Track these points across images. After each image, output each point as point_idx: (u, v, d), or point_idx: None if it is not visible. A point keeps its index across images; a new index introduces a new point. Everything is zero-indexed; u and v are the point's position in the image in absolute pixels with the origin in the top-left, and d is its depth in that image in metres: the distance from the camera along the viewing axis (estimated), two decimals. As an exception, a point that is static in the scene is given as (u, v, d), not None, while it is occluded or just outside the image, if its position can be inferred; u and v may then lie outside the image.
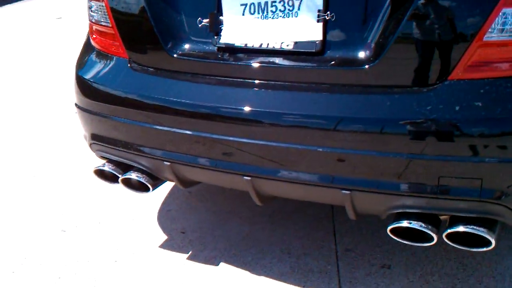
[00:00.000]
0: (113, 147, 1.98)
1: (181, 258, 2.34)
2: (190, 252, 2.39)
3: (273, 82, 1.75)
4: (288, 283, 2.15)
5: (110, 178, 2.10)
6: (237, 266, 2.27)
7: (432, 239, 1.63)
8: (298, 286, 2.13)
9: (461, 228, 1.57)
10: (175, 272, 2.22)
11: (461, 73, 1.52)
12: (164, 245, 2.45)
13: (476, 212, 1.56)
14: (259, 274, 2.21)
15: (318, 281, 2.17)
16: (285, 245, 2.42)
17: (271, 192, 1.86)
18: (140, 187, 2.07)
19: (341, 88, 1.66)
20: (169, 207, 2.77)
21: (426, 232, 1.61)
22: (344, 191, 1.65)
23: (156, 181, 2.05)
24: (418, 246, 1.71)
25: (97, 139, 2.05)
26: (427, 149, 1.52)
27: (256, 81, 1.76)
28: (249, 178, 1.76)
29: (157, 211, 2.75)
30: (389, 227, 1.67)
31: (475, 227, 1.55)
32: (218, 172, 1.83)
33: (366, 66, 1.62)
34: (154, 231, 2.58)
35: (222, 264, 2.29)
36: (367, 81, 1.63)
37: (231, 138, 1.74)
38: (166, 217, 2.70)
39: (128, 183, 2.07)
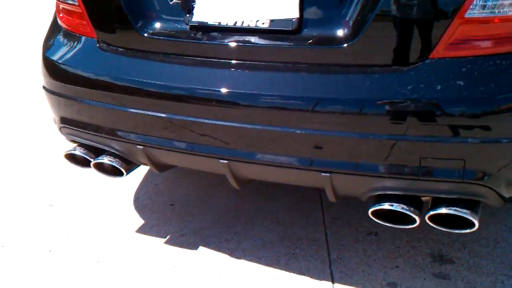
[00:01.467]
0: (83, 130, 1.92)
1: (171, 229, 2.34)
2: (180, 223, 2.39)
3: (248, 62, 1.68)
4: (277, 251, 2.16)
5: (81, 162, 2.04)
6: (226, 237, 2.28)
7: (414, 221, 1.61)
8: (287, 254, 2.15)
9: (443, 210, 1.55)
10: (165, 243, 2.23)
11: (443, 51, 1.45)
12: (154, 218, 2.45)
13: (459, 194, 1.54)
14: (248, 244, 2.22)
15: (307, 248, 2.19)
16: (273, 216, 2.42)
17: (249, 175, 1.82)
18: (113, 172, 2.01)
19: (319, 68, 1.60)
20: (156, 181, 2.76)
21: (408, 215, 1.59)
22: (323, 174, 1.61)
23: (130, 165, 1.99)
24: (400, 228, 1.69)
25: (66, 123, 1.98)
26: (408, 130, 1.48)
27: (231, 61, 1.69)
28: (225, 161, 1.72)
29: (145, 185, 2.74)
30: (370, 210, 1.64)
31: (458, 209, 1.53)
32: (193, 156, 1.77)
33: (345, 45, 1.55)
34: (143, 205, 2.58)
35: (211, 235, 2.30)
36: (345, 60, 1.56)
37: (205, 121, 1.68)
38: (153, 191, 2.69)
39: (101, 168, 2.01)
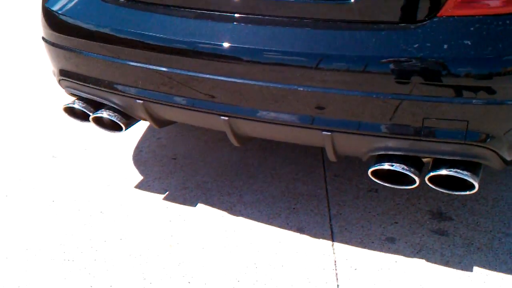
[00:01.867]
0: (83, 83, 1.89)
1: (173, 182, 2.37)
2: (182, 177, 2.42)
3: (252, 16, 1.65)
4: (278, 205, 2.19)
5: (80, 116, 2.02)
6: (228, 191, 2.30)
7: (414, 182, 1.62)
8: (288, 208, 2.18)
9: (444, 171, 1.55)
10: (167, 196, 2.26)
11: (451, 10, 1.42)
12: (156, 171, 2.47)
13: (461, 155, 1.54)
14: (250, 198, 2.25)
15: (308, 203, 2.21)
16: (275, 171, 2.44)
17: (249, 133, 1.81)
18: (112, 126, 1.99)
19: (324, 24, 1.57)
20: (159, 135, 2.77)
21: (408, 175, 1.60)
22: (324, 132, 1.61)
23: (129, 120, 1.98)
24: (399, 188, 1.70)
25: (66, 75, 1.96)
26: (413, 89, 1.47)
27: (234, 15, 1.66)
28: (226, 118, 1.71)
29: (147, 139, 2.75)
30: (370, 169, 1.64)
31: (458, 171, 1.54)
32: (193, 112, 1.76)
33: (352, 0, 1.52)
34: (145, 158, 2.59)
35: (213, 188, 2.32)
36: (352, 17, 1.53)
37: (207, 76, 1.66)
38: (156, 144, 2.70)
39: (100, 122, 1.99)
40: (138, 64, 1.74)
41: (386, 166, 1.60)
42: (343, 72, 1.52)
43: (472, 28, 1.41)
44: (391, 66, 1.47)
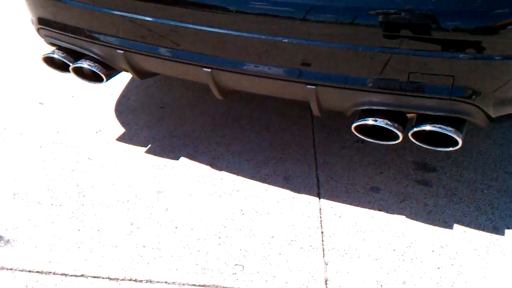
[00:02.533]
0: (62, 32, 1.83)
1: (161, 131, 2.37)
2: (170, 125, 2.41)
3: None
4: (265, 155, 2.21)
5: (60, 66, 1.96)
6: (216, 140, 2.31)
7: (397, 137, 1.61)
8: (275, 158, 2.20)
9: (427, 127, 1.54)
10: (155, 144, 2.26)
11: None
12: (144, 119, 2.46)
13: (445, 111, 1.53)
14: (237, 147, 2.26)
15: (295, 153, 2.23)
16: (263, 122, 2.44)
17: (233, 86, 1.78)
18: (93, 77, 1.94)
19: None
20: (147, 84, 2.74)
21: (392, 130, 1.59)
22: (309, 86, 1.59)
23: (110, 71, 1.93)
24: (382, 144, 1.71)
25: (44, 24, 1.89)
26: (399, 42, 1.44)
27: None
28: (209, 70, 1.67)
29: (135, 87, 2.72)
30: (354, 124, 1.63)
31: (442, 126, 1.53)
32: (176, 63, 1.72)
33: None
34: (134, 106, 2.58)
35: (201, 137, 2.33)
36: None
37: (189, 26, 1.61)
38: (144, 93, 2.69)
39: (80, 73, 1.94)
40: (119, 13, 1.69)
41: (369, 121, 1.59)
42: (328, 24, 1.48)
43: (461, -21, 1.38)
44: (378, 18, 1.43)
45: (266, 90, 1.78)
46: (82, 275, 1.65)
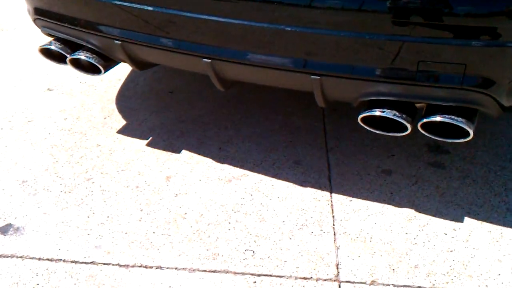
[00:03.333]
0: (59, 23, 1.78)
1: (170, 116, 2.35)
2: (179, 111, 2.40)
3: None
4: (275, 139, 2.19)
5: (57, 57, 1.91)
6: (226, 124, 2.29)
7: (406, 128, 1.55)
8: (285, 142, 2.18)
9: (438, 118, 1.48)
10: (164, 129, 2.25)
11: None
12: (152, 104, 2.45)
13: (457, 101, 1.47)
14: (247, 131, 2.24)
15: (305, 137, 2.21)
16: (272, 106, 2.42)
17: (234, 76, 1.72)
18: (91, 68, 1.89)
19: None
20: (155, 69, 2.72)
21: (400, 122, 1.53)
22: (313, 76, 1.53)
23: (108, 62, 1.87)
24: (390, 135, 1.64)
25: (41, 14, 1.83)
26: (408, 30, 1.38)
27: None
28: (209, 60, 1.61)
29: (143, 72, 2.70)
30: (360, 116, 1.57)
31: (453, 117, 1.47)
32: (175, 53, 1.67)
33: None
34: (142, 91, 2.56)
35: (210, 122, 2.31)
36: None
37: (188, 14, 1.55)
38: (152, 78, 2.66)
39: (78, 64, 1.89)
40: (117, 2, 1.63)
41: (377, 112, 1.53)
42: (332, 11, 1.42)
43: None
44: (385, 4, 1.37)
45: (268, 80, 1.72)
46: (92, 262, 1.65)
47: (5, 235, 1.74)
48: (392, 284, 1.57)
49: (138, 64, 1.86)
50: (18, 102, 2.48)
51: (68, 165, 2.06)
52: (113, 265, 1.64)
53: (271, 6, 1.46)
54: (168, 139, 2.20)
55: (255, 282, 1.58)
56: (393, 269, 1.61)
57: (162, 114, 2.37)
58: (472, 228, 1.75)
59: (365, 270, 1.61)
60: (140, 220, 1.81)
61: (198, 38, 1.60)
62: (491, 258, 1.64)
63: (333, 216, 1.81)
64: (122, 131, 2.26)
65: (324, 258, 1.66)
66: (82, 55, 1.83)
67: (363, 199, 1.88)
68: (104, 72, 1.90)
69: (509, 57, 1.37)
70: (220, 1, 1.51)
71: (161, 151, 2.13)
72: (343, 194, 1.90)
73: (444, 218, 1.79)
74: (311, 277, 1.60)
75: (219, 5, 1.52)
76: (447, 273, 1.60)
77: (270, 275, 1.60)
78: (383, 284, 1.57)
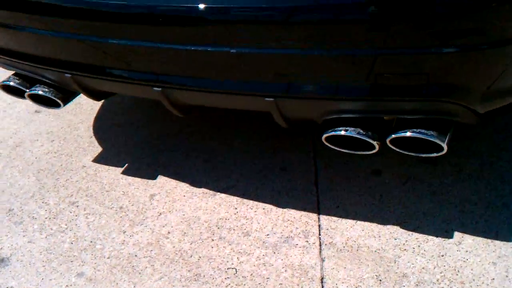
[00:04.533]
0: (13, 59, 1.73)
1: (156, 130, 2.31)
2: (165, 124, 2.35)
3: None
4: (261, 145, 2.13)
5: (17, 92, 1.86)
6: (211, 135, 2.24)
7: (373, 147, 1.45)
8: (272, 147, 2.12)
9: (407, 134, 1.37)
10: (150, 143, 2.22)
11: None
12: (139, 119, 2.41)
13: (425, 113, 1.36)
14: (231, 140, 2.19)
15: (291, 141, 2.14)
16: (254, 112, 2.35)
17: (188, 102, 1.63)
18: (50, 102, 1.84)
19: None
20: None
21: (365, 140, 1.42)
22: (267, 99, 1.42)
23: (66, 95, 1.82)
24: (358, 154, 1.52)
25: None
26: (359, 41, 1.25)
27: None
28: (159, 88, 1.53)
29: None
30: (324, 136, 1.47)
31: (423, 131, 1.35)
32: (126, 83, 1.59)
33: None
34: (129, 106, 2.52)
35: (195, 133, 2.27)
36: None
37: (133, 43, 1.45)
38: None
39: (37, 98, 1.84)
40: (61, 35, 1.55)
41: (339, 131, 1.42)
42: (273, 27, 1.29)
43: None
44: (330, 13, 1.24)
45: (224, 104, 1.62)
46: (73, 292, 1.63)
47: (-11, 268, 1.73)
48: (378, 296, 1.50)
49: (94, 95, 1.79)
50: (7, 126, 2.47)
51: (53, 189, 2.05)
52: (93, 294, 1.62)
53: (210, 27, 1.35)
54: (153, 154, 2.17)
55: (236, 303, 1.54)
56: (380, 280, 1.54)
57: (148, 128, 2.33)
58: (465, 228, 1.67)
59: (350, 282, 1.55)
60: (123, 243, 1.78)
61: (146, 66, 1.52)
62: (485, 261, 1.56)
63: (319, 226, 1.75)
64: (108, 149, 2.23)
65: (308, 272, 1.60)
66: (39, 90, 1.79)
67: (351, 204, 1.81)
68: (64, 105, 1.84)
69: (476, 61, 1.25)
70: (160, 26, 1.41)
71: (147, 167, 2.10)
72: (330, 200, 1.83)
73: (435, 220, 1.71)
74: (295, 294, 1.54)
75: (159, 31, 1.42)
76: (437, 280, 1.52)
77: (252, 294, 1.56)
78: (369, 297, 1.51)
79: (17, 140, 2.37)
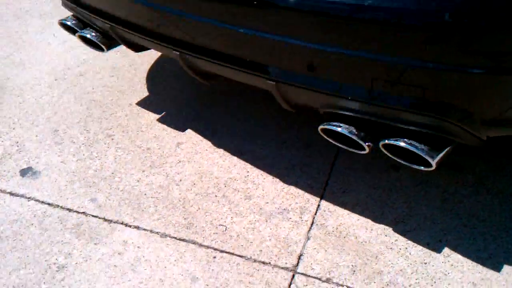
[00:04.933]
0: (72, 4, 1.92)
1: (205, 91, 2.41)
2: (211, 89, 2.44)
3: None
4: (290, 118, 2.16)
5: (71, 30, 2.07)
6: (251, 100, 2.30)
7: (363, 148, 1.43)
8: (301, 122, 2.14)
9: (398, 143, 1.34)
10: (193, 102, 2.32)
11: None
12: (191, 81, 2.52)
13: (420, 127, 1.32)
14: (265, 110, 2.23)
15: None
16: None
17: (204, 69, 1.73)
18: (96, 45, 2.03)
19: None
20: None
21: (355, 140, 1.41)
22: (269, 81, 1.47)
23: (111, 41, 1.99)
24: (351, 151, 1.50)
25: None
26: (361, 44, 1.24)
27: None
28: (177, 52, 1.65)
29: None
30: (320, 127, 1.48)
31: (414, 143, 1.32)
32: (151, 42, 1.73)
33: None
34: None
35: (236, 98, 2.33)
36: None
37: (164, 8, 1.57)
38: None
39: (86, 40, 2.03)
40: None
41: (333, 127, 1.43)
42: (285, 16, 1.32)
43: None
44: (333, 11, 1.23)
45: (234, 76, 1.68)
46: (83, 213, 1.81)
47: (23, 177, 1.96)
48: (346, 286, 1.52)
49: (132, 46, 1.97)
50: (78, 56, 2.69)
51: (98, 120, 2.23)
52: (99, 218, 1.79)
53: (228, 7, 1.42)
54: (194, 109, 2.27)
55: (214, 257, 1.63)
56: (354, 271, 1.56)
57: (197, 90, 2.43)
58: (460, 242, 1.62)
59: (325, 266, 1.58)
60: (138, 181, 1.92)
61: (169, 30, 1.63)
62: (465, 280, 1.51)
63: (318, 205, 1.78)
64: (156, 94, 2.37)
65: (290, 246, 1.64)
66: (88, 34, 1.98)
67: (357, 192, 1.81)
68: (107, 51, 2.03)
69: (478, 83, 1.19)
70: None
71: (183, 119, 2.21)
72: (339, 184, 1.84)
73: (434, 227, 1.67)
74: (269, 263, 1.60)
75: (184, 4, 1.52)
76: (410, 286, 1.51)
77: (232, 253, 1.64)
78: (337, 284, 1.53)
79: (82, 70, 2.58)
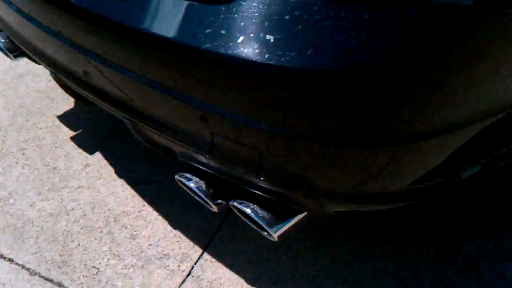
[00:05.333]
0: None
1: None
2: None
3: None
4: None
5: None
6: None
7: (210, 206, 1.28)
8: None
9: (242, 206, 1.20)
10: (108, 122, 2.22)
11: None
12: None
13: (265, 193, 1.18)
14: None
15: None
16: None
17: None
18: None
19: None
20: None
21: (202, 197, 1.27)
22: (123, 116, 1.35)
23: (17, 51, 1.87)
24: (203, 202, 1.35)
25: None
26: (193, 88, 1.04)
27: None
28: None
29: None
30: (176, 176, 1.33)
31: (256, 209, 1.17)
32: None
33: None
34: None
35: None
36: None
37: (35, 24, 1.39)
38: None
39: None
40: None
41: (183, 180, 1.28)
42: (120, 49, 1.14)
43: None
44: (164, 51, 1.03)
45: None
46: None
47: None
48: None
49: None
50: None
51: (18, 129, 2.17)
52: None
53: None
54: (112, 127, 2.16)
55: (73, 305, 1.55)
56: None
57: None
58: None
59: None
60: (31, 205, 1.85)
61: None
62: None
63: (201, 253, 1.66)
64: (82, 106, 2.27)
65: (153, 301, 1.54)
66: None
67: (247, 241, 1.68)
68: (15, 59, 1.92)
69: (313, 155, 1.01)
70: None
71: (99, 137, 2.12)
72: (232, 230, 1.72)
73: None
74: (126, 318, 1.51)
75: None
76: None
77: (92, 302, 1.55)
78: None
79: (24, 70, 2.51)
